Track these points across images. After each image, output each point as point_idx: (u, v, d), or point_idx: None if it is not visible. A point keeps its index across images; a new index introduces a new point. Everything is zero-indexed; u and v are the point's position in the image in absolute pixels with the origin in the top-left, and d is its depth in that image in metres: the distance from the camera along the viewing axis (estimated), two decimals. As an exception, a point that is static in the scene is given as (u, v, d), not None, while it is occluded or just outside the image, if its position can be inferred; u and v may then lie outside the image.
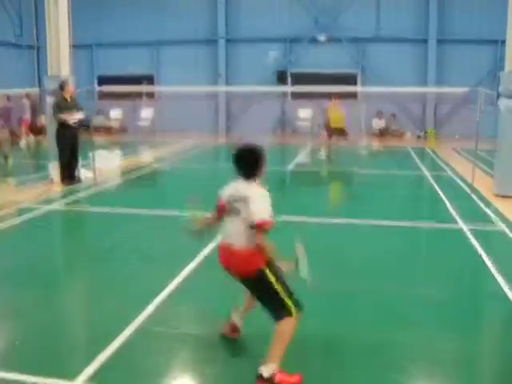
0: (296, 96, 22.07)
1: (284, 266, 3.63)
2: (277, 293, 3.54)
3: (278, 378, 3.39)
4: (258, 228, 3.58)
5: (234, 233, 3.66)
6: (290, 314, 3.50)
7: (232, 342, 4.12)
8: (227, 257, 3.71)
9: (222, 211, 3.77)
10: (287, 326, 3.49)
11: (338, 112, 15.15)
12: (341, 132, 15.30)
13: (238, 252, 3.60)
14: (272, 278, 3.57)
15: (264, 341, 4.10)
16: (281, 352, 3.46)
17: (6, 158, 12.29)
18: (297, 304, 3.57)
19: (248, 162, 3.72)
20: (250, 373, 3.67)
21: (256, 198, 3.61)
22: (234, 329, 4.04)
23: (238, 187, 3.70)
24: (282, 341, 3.47)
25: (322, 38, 21.57)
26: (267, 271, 3.58)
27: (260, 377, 3.37)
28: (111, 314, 4.55)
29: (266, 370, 3.38)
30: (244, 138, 23.46)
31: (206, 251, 6.14)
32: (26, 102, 18.80)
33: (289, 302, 3.54)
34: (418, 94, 21.24)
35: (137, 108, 21.85)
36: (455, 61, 20.79)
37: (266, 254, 3.60)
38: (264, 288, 3.58)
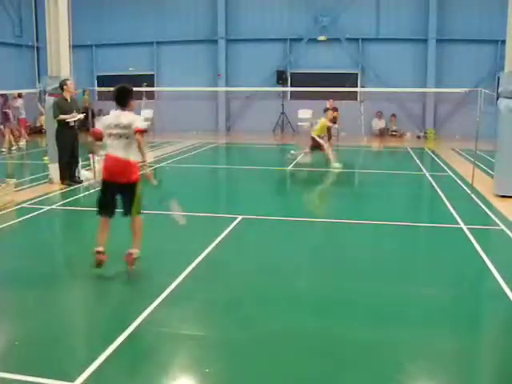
0: (296, 96, 22.08)
1: (148, 173, 5.61)
2: (137, 198, 5.40)
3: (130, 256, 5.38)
4: (138, 132, 5.23)
5: (121, 149, 5.26)
6: (139, 213, 5.45)
7: (232, 343, 4.12)
8: (115, 167, 5.32)
9: (100, 136, 5.50)
10: (141, 221, 5.48)
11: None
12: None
13: (125, 162, 5.26)
14: (139, 190, 5.38)
15: (264, 342, 4.11)
16: (139, 238, 5.46)
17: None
18: (141, 210, 5.48)
19: (125, 95, 5.41)
20: (250, 373, 3.68)
21: (137, 119, 5.37)
22: (103, 255, 5.41)
23: (120, 116, 5.32)
24: (140, 231, 5.46)
25: (321, 37, 21.58)
26: (138, 184, 5.37)
27: (130, 254, 5.35)
28: (111, 314, 4.55)
29: (135, 253, 5.38)
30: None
31: (206, 252, 6.14)
32: (20, 102, 18.77)
33: (138, 207, 5.44)
34: (418, 94, 21.25)
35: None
36: (455, 61, 20.79)
37: (142, 150, 5.31)
38: (133, 193, 5.35)
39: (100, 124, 5.32)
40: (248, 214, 7.97)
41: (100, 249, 5.35)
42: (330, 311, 4.72)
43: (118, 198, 5.40)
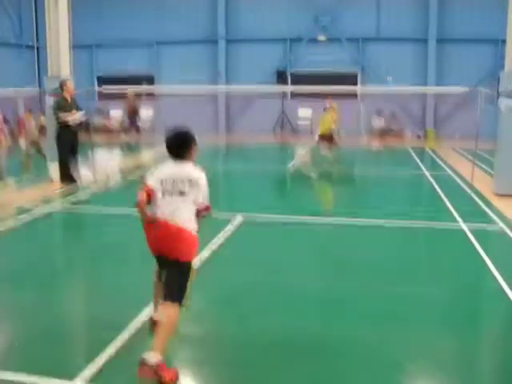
0: (296, 96, 22.08)
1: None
2: (186, 284, 3.75)
3: (161, 366, 3.44)
4: (205, 211, 3.90)
5: (178, 212, 3.71)
6: (181, 303, 3.71)
7: (232, 342, 4.12)
8: (167, 234, 3.70)
9: (151, 194, 3.78)
10: (176, 313, 3.68)
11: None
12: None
13: (181, 231, 3.68)
14: (192, 272, 3.80)
15: (264, 342, 4.11)
16: (165, 342, 3.59)
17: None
18: (184, 302, 3.75)
19: (183, 144, 3.90)
20: (250, 373, 3.67)
21: (203, 182, 3.85)
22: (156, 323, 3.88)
23: (177, 168, 3.82)
24: (170, 328, 3.65)
25: (321, 37, 21.57)
26: (190, 265, 3.80)
27: (144, 362, 3.44)
28: (111, 314, 4.55)
29: (157, 361, 3.43)
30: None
31: (205, 253, 6.14)
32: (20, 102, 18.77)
33: (184, 295, 3.73)
34: (418, 93, 21.24)
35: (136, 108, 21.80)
36: (455, 60, 20.78)
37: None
38: (183, 274, 3.74)
39: (152, 177, 3.83)
40: (249, 213, 7.97)
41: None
42: (330, 311, 4.72)
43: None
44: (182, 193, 3.72)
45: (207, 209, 3.92)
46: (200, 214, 3.83)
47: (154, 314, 4.13)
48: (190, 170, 3.82)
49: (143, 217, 3.79)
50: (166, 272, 3.80)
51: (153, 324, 4.00)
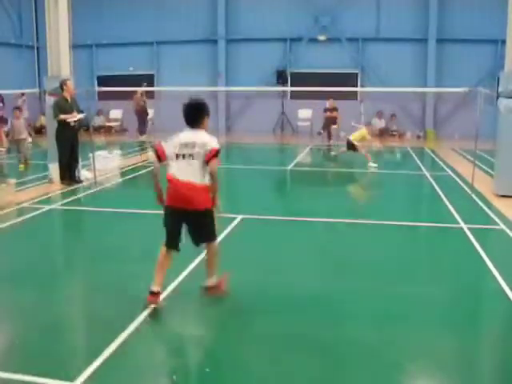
0: (296, 96, 22.07)
1: (218, 202, 4.61)
2: (214, 225, 4.68)
3: (220, 282, 4.83)
4: (213, 153, 4.42)
5: (191, 172, 4.44)
6: (216, 238, 4.78)
7: (232, 342, 4.12)
8: (186, 191, 4.45)
9: (165, 156, 4.53)
10: (217, 246, 4.81)
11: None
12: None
13: (197, 187, 4.43)
14: (214, 216, 4.63)
15: (263, 341, 4.11)
16: (217, 266, 4.80)
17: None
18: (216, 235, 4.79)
19: (196, 113, 4.59)
20: (250, 373, 3.68)
21: (213, 144, 4.48)
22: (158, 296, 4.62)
23: (191, 136, 4.52)
24: (217, 258, 4.79)
25: (321, 37, 21.57)
26: (212, 211, 4.59)
27: (212, 288, 4.78)
28: (111, 314, 4.55)
29: (211, 281, 4.77)
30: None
31: (205, 252, 6.14)
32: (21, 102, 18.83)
33: (215, 232, 4.75)
34: (418, 93, 21.24)
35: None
36: (455, 60, 20.77)
37: (215, 176, 4.46)
38: (208, 221, 4.62)
39: (167, 143, 4.56)
40: (248, 214, 7.98)
41: (156, 289, 4.54)
42: (330, 311, 4.72)
43: (185, 227, 4.69)
44: (192, 155, 4.42)
45: (215, 153, 4.41)
46: (210, 161, 4.40)
47: (154, 288, 4.56)
48: (203, 136, 4.50)
49: (155, 187, 4.65)
50: (190, 223, 4.60)
51: (151, 296, 4.53)
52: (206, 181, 4.46)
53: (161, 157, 4.52)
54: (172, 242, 4.64)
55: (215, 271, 4.75)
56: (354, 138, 13.64)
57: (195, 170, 4.42)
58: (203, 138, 4.48)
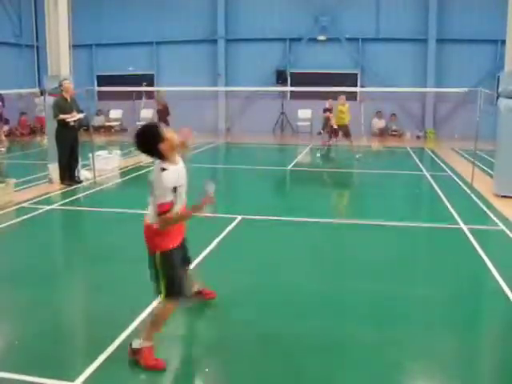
0: (296, 96, 22.07)
1: (197, 211, 3.78)
2: (160, 275, 3.75)
3: (145, 353, 3.73)
4: (159, 211, 3.60)
5: (149, 209, 3.78)
6: (166, 297, 3.76)
7: (232, 342, 4.12)
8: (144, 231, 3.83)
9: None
10: (165, 308, 3.83)
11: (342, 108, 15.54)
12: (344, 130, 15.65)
13: (146, 226, 3.77)
14: (159, 265, 3.73)
15: (263, 342, 4.11)
16: (155, 330, 3.82)
17: None
18: (170, 293, 3.75)
19: (144, 142, 3.66)
20: (250, 373, 3.68)
21: (156, 183, 3.62)
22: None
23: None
24: (160, 320, 3.84)
25: (321, 37, 21.58)
26: (158, 257, 3.73)
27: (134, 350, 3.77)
28: (111, 314, 4.55)
29: (139, 343, 3.77)
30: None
31: (205, 252, 6.15)
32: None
33: (163, 287, 3.74)
34: (418, 93, 21.24)
35: (137, 108, 21.84)
36: (455, 61, 20.78)
37: (171, 224, 3.69)
38: (154, 266, 3.79)
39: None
40: (248, 214, 7.98)
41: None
42: (330, 311, 4.72)
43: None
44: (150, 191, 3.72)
45: (161, 208, 3.59)
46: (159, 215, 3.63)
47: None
48: (155, 167, 3.68)
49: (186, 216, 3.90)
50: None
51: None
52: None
53: None
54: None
55: (150, 336, 3.78)
56: (343, 121, 14.87)
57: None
58: (154, 174, 3.64)
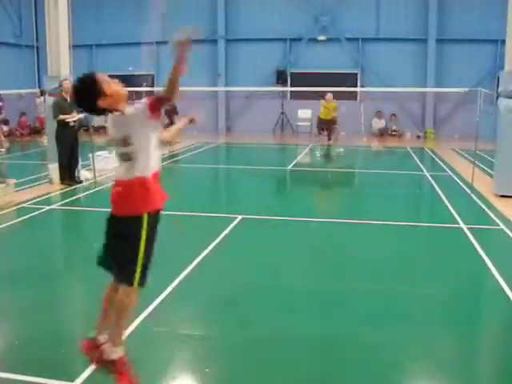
0: (296, 96, 22.07)
1: (184, 119, 3.39)
2: (137, 254, 3.10)
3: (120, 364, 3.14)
4: (152, 104, 3.02)
5: (122, 167, 3.18)
6: (132, 283, 3.10)
7: (231, 342, 4.12)
8: (113, 191, 3.23)
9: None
10: (128, 295, 3.14)
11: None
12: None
13: (124, 183, 3.14)
14: (143, 234, 3.09)
15: (262, 342, 4.11)
16: (123, 329, 3.19)
17: None
18: (142, 281, 3.15)
19: (79, 101, 3.14)
20: (249, 373, 3.68)
21: (130, 121, 3.08)
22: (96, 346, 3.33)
23: (110, 125, 3.20)
24: (123, 314, 3.15)
25: (321, 37, 21.57)
26: (146, 219, 3.10)
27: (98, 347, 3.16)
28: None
29: (113, 352, 3.13)
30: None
31: (205, 252, 6.14)
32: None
33: (138, 272, 3.10)
34: (418, 93, 21.23)
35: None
36: (455, 61, 20.78)
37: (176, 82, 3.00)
38: (131, 239, 3.10)
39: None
40: (248, 214, 7.98)
41: (95, 338, 3.34)
42: (330, 311, 4.72)
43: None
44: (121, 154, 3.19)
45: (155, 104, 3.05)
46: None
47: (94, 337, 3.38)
48: (119, 119, 3.15)
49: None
50: (114, 240, 3.40)
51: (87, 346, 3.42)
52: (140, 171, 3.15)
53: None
54: (102, 259, 3.48)
55: (120, 337, 3.20)
56: (326, 116, 15.23)
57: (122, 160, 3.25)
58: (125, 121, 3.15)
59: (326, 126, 17.98)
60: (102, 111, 3.09)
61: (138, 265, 3.06)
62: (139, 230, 3.06)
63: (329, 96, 17.73)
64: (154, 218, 3.19)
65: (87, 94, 3.03)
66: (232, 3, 22.38)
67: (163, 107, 3.06)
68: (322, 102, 17.91)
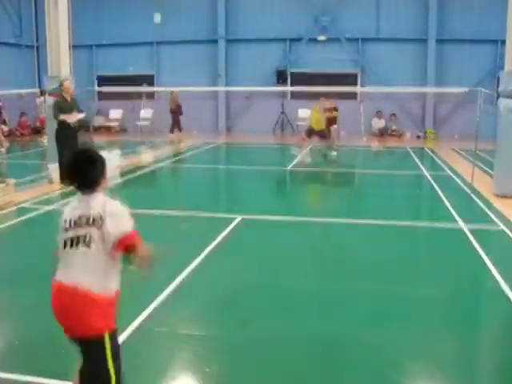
0: (296, 96, 22.07)
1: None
2: (108, 373, 2.80)
3: None
4: (127, 245, 2.79)
5: (82, 268, 2.72)
6: None
7: (232, 342, 4.12)
8: (66, 303, 2.74)
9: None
10: None
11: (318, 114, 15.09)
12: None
13: (86, 297, 2.68)
14: (109, 354, 2.77)
15: (263, 342, 4.11)
16: None
17: None
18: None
19: (89, 168, 2.90)
20: (249, 373, 3.68)
21: (114, 213, 2.82)
22: None
23: (82, 206, 2.84)
24: None
25: (321, 37, 21.58)
26: (108, 340, 2.77)
27: None
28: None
29: None
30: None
31: (205, 253, 6.14)
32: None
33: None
34: (418, 93, 21.24)
35: (136, 108, 21.84)
36: (455, 61, 20.78)
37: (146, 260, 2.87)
38: (98, 356, 2.77)
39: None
40: (248, 214, 7.97)
41: None
42: (330, 311, 4.72)
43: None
44: (86, 239, 2.73)
45: (130, 240, 2.80)
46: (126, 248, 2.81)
47: None
48: (102, 202, 2.85)
49: None
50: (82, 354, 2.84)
51: None
52: (112, 287, 2.85)
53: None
54: None
55: None
56: (316, 126, 14.53)
57: (91, 264, 2.73)
58: (103, 206, 2.81)
59: (319, 135, 15.04)
60: (98, 188, 2.92)
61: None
62: None
63: (322, 103, 15.56)
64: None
65: (102, 167, 2.97)
66: (232, 3, 22.38)
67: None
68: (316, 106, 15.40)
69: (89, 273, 2.69)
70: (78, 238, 2.73)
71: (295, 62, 22.33)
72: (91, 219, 2.74)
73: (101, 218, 2.73)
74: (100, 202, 2.81)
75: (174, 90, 19.23)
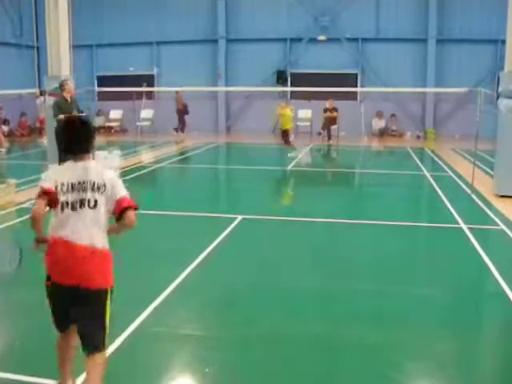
0: (296, 96, 22.07)
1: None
2: (105, 322, 3.04)
3: None
4: (124, 207, 3.01)
5: (94, 228, 2.96)
6: (104, 348, 3.04)
7: (232, 343, 4.12)
8: (70, 260, 3.01)
9: (53, 200, 2.98)
10: (104, 361, 3.03)
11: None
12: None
13: (87, 250, 2.95)
14: (108, 306, 3.03)
15: (264, 342, 4.11)
16: None
17: None
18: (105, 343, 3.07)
19: (82, 130, 3.07)
20: (250, 373, 3.68)
21: (113, 180, 3.03)
22: None
23: (79, 172, 3.00)
24: (101, 380, 2.95)
25: (321, 37, 21.58)
26: (109, 295, 3.03)
27: None
28: (110, 315, 4.55)
29: None
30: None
31: (205, 252, 6.14)
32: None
33: (106, 337, 3.05)
34: (418, 93, 21.24)
35: (137, 108, 21.85)
36: (455, 60, 20.78)
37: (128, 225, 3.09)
38: (100, 309, 3.01)
39: (48, 178, 3.06)
40: (248, 214, 7.97)
41: None
42: (330, 311, 4.72)
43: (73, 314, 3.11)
44: (84, 202, 2.96)
45: (129, 202, 3.04)
46: (125, 213, 3.02)
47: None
48: (99, 169, 3.04)
49: (36, 234, 3.17)
50: (77, 310, 3.02)
51: None
52: (108, 245, 3.05)
53: (52, 202, 3.00)
54: (59, 326, 3.25)
55: None
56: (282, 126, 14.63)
57: (101, 224, 3.00)
58: (101, 174, 3.01)
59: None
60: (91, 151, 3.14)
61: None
62: None
63: (285, 103, 15.48)
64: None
65: (91, 129, 3.16)
66: (232, 3, 22.38)
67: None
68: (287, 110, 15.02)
69: (100, 232, 2.99)
70: (81, 200, 2.95)
71: (295, 62, 22.34)
72: (96, 185, 2.97)
73: (104, 185, 2.97)
74: (98, 170, 3.03)
75: (178, 89, 19.28)
